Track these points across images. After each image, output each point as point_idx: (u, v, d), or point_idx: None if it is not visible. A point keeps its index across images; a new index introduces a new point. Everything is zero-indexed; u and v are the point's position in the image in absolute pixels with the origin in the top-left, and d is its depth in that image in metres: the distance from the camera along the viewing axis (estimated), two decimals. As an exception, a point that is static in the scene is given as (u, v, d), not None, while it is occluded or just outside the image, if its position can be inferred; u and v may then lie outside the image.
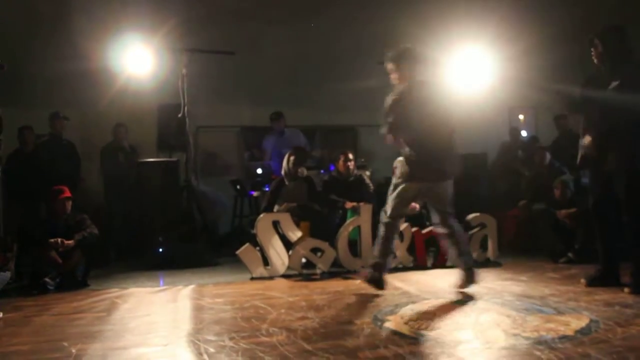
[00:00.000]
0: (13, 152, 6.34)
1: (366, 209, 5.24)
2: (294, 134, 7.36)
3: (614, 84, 3.76)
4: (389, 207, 4.04)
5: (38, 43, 6.57)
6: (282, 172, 5.69)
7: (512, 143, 8.07)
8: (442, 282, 4.48)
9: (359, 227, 5.19)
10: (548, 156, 6.37)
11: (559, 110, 4.26)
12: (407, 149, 4.00)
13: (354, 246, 5.21)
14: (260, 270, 4.89)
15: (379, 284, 3.99)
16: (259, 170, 7.04)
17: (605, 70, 3.92)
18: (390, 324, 3.09)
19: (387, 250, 4.03)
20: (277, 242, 4.94)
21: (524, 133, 8.48)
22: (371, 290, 3.99)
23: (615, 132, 3.78)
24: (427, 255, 5.35)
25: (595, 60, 3.99)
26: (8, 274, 4.70)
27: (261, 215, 5.08)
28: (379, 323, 3.10)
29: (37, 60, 6.56)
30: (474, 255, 5.33)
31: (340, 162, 5.92)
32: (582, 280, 4.12)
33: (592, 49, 3.97)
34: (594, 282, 4.03)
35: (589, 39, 3.99)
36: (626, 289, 3.74)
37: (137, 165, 6.71)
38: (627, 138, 3.74)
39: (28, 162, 6.16)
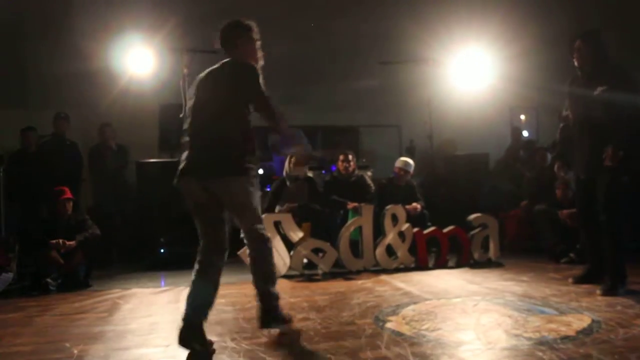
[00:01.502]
0: (15, 153, 6.36)
1: (367, 210, 5.24)
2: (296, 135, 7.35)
3: (600, 88, 3.81)
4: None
5: (40, 44, 6.58)
6: (284, 173, 5.69)
7: (513, 143, 8.07)
8: (443, 282, 4.48)
9: (360, 228, 5.19)
10: (549, 156, 6.36)
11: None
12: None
13: (355, 246, 5.21)
14: (262, 271, 4.88)
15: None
16: (260, 171, 7.04)
17: (584, 74, 4.00)
18: (391, 324, 3.09)
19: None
20: (279, 243, 4.94)
21: (525, 133, 8.48)
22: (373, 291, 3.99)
23: (603, 134, 3.83)
24: (428, 255, 5.35)
25: (576, 63, 4.05)
26: (10, 275, 4.72)
27: (262, 216, 5.06)
28: (381, 323, 3.10)
29: (39, 61, 6.58)
30: (476, 255, 5.35)
31: (339, 163, 5.93)
32: (570, 280, 4.22)
33: (574, 53, 4.03)
34: (580, 280, 4.15)
35: (570, 42, 4.05)
36: (598, 291, 3.75)
37: (126, 164, 6.70)
38: (616, 140, 3.78)
39: (30, 163, 6.16)
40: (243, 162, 2.81)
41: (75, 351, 2.74)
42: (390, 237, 5.21)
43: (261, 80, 3.05)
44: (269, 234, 3.02)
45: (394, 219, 5.24)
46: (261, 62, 3.25)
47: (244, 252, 4.88)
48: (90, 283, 4.75)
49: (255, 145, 2.93)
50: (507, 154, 8.01)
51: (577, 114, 4.05)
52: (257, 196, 2.93)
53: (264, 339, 2.84)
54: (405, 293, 4.03)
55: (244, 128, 2.89)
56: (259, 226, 2.93)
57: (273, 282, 2.87)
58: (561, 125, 4.30)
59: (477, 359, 2.49)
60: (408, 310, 3.43)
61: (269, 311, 2.81)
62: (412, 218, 5.44)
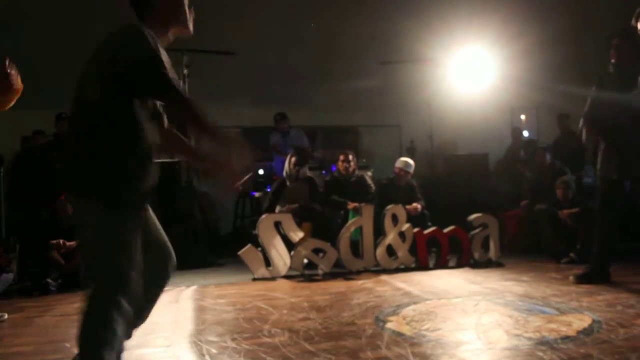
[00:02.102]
0: (18, 154, 6.37)
1: (368, 210, 5.25)
2: (297, 135, 7.35)
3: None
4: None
5: (39, 44, 6.58)
6: (284, 173, 5.70)
7: (513, 143, 8.07)
8: (444, 282, 4.48)
9: (360, 228, 5.19)
10: (548, 156, 6.36)
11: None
12: None
13: (355, 247, 5.20)
14: (262, 271, 4.89)
15: None
16: (261, 171, 7.05)
17: (621, 73, 3.90)
18: (392, 324, 3.09)
19: None
20: (279, 243, 4.94)
21: (525, 133, 8.48)
22: (373, 291, 3.99)
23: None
24: (428, 256, 5.35)
25: (613, 61, 3.95)
26: (11, 275, 4.71)
27: (263, 216, 5.08)
28: (381, 324, 3.10)
29: (38, 61, 6.57)
30: (476, 255, 5.34)
31: (339, 163, 5.94)
32: (571, 278, 4.18)
33: (612, 50, 3.94)
34: (582, 279, 4.10)
35: (608, 39, 3.96)
36: (571, 277, 4.01)
37: None
38: None
39: (32, 164, 6.17)
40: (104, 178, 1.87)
41: (76, 351, 2.74)
42: (391, 237, 5.21)
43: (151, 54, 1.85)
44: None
45: (395, 219, 5.24)
46: (190, 26, 2.19)
47: (244, 252, 4.92)
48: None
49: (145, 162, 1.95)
50: (507, 153, 8.01)
51: (612, 113, 3.91)
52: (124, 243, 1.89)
53: (264, 339, 2.85)
54: (405, 293, 4.03)
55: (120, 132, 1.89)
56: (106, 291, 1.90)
57: None
58: (585, 127, 4.10)
59: (477, 359, 2.49)
60: (408, 311, 3.43)
61: None
62: (412, 218, 5.44)
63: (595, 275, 4.08)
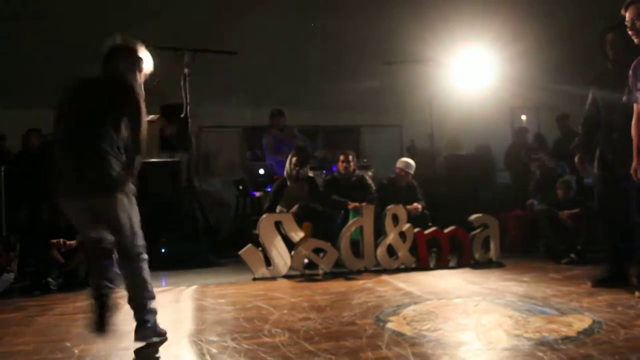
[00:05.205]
0: (18, 153, 6.37)
1: (368, 210, 5.25)
2: (291, 133, 7.26)
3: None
4: None
5: (40, 44, 6.58)
6: (285, 173, 5.70)
7: (516, 144, 8.05)
8: (444, 283, 4.48)
9: (361, 228, 5.19)
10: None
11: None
12: None
13: (356, 246, 5.21)
14: (263, 271, 4.89)
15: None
16: (262, 171, 7.04)
17: (618, 68, 3.84)
18: (392, 324, 3.09)
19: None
20: (280, 243, 4.94)
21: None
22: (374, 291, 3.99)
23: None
24: (429, 256, 5.35)
25: (609, 56, 3.92)
26: (12, 275, 4.72)
27: (263, 216, 5.08)
28: (381, 324, 3.11)
29: (39, 61, 6.58)
30: (476, 256, 5.34)
31: (339, 163, 5.94)
32: (589, 283, 4.06)
33: (605, 46, 3.91)
34: (600, 283, 3.98)
35: (602, 35, 3.93)
36: (637, 293, 3.62)
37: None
38: None
39: (32, 163, 6.18)
40: None
41: (76, 351, 2.75)
42: (391, 237, 5.21)
43: None
44: None
45: (395, 219, 5.24)
46: None
47: (245, 252, 4.92)
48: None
49: None
50: (508, 153, 7.99)
51: (605, 111, 3.90)
52: None
53: (265, 339, 2.85)
54: (406, 293, 4.03)
55: None
56: None
57: None
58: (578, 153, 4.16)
59: (477, 359, 2.50)
60: (409, 311, 3.43)
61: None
62: (413, 218, 5.44)
63: (612, 279, 3.94)
